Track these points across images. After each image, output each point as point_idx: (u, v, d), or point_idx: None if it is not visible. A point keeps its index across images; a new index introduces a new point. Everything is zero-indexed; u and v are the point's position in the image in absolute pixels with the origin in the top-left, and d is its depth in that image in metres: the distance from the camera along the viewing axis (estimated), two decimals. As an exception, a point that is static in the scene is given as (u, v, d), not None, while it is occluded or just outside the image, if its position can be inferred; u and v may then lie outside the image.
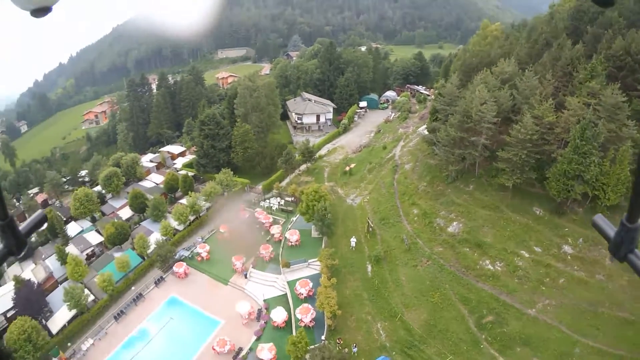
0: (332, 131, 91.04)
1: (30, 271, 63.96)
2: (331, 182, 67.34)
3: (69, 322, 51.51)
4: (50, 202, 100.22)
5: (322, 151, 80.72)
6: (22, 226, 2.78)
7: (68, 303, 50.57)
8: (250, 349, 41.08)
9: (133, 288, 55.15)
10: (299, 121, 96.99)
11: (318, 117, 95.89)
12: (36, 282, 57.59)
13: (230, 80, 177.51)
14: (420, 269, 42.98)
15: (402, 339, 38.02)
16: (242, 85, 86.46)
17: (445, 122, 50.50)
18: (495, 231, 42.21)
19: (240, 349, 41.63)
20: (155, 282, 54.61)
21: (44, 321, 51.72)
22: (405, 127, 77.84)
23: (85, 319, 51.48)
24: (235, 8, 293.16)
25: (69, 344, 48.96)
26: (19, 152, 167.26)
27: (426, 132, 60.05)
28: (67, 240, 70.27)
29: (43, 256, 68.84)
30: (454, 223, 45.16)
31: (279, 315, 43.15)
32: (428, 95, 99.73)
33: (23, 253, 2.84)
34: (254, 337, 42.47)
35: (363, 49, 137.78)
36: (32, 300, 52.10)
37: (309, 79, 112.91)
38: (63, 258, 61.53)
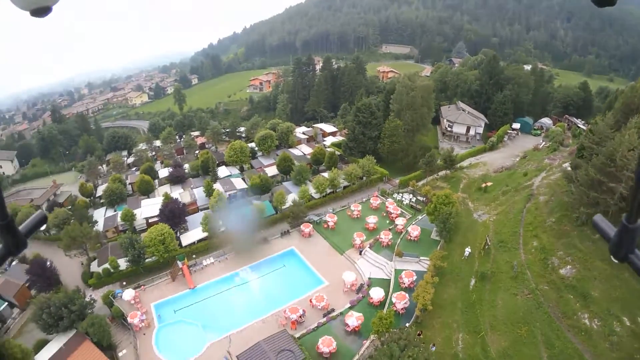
0: (479, 146, 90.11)
1: (179, 194, 75.58)
2: (464, 194, 67.62)
3: (199, 240, 61.96)
4: (207, 145, 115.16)
5: (464, 163, 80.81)
6: (21, 226, 2.84)
7: (203, 226, 60.65)
8: (341, 313, 44.39)
9: (263, 231, 62.96)
10: (448, 128, 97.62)
11: (468, 128, 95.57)
12: (182, 202, 67.88)
13: (390, 75, 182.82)
14: (519, 299, 42.19)
15: (476, 356, 38.11)
16: (400, 83, 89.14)
17: (589, 162, 48.19)
18: (605, 288, 39.70)
19: (333, 310, 45.45)
20: (282, 233, 61.63)
21: (178, 233, 62.70)
22: (552, 159, 74.51)
23: (212, 243, 61.30)
24: (404, 6, 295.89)
25: (193, 256, 59.21)
26: (187, 100, 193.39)
27: (569, 168, 57.83)
28: (215, 178, 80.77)
29: (192, 186, 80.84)
30: (568, 267, 43.38)
31: (377, 293, 45.56)
32: (584, 130, 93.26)
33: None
34: (348, 305, 45.80)
35: (527, 67, 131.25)
36: (174, 214, 62.97)
37: (466, 89, 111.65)
38: (209, 191, 72.41)
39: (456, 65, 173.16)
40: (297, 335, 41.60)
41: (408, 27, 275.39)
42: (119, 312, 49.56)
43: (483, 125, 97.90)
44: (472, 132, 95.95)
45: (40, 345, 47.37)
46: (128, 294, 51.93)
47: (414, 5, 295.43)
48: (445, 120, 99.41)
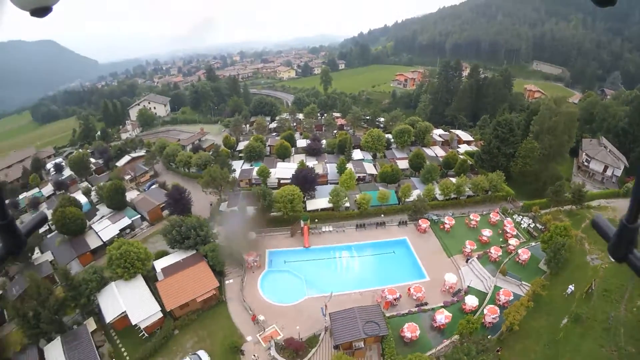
0: (612, 189, 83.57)
1: (313, 164, 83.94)
2: (584, 234, 64.39)
3: (322, 209, 69.53)
4: (345, 127, 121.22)
5: (593, 202, 75.99)
6: (22, 226, 2.89)
7: (330, 197, 67.57)
8: (432, 309, 47.13)
9: (382, 216, 68.27)
10: (585, 163, 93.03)
11: (606, 167, 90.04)
12: (315, 172, 74.45)
13: (537, 95, 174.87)
14: (604, 352, 40.50)
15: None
16: (545, 105, 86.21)
17: None
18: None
19: (426, 303, 48.55)
20: (399, 223, 65.98)
21: (305, 198, 70.21)
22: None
23: (334, 214, 68.49)
24: (562, 22, 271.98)
25: (315, 220, 66.54)
26: (333, 83, 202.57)
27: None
28: (349, 159, 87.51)
29: (326, 160, 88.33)
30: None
31: (471, 301, 47.16)
32: None
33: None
34: (441, 304, 48.35)
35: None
36: (307, 180, 70.50)
37: (613, 125, 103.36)
38: (341, 169, 79.02)
39: (608, 97, 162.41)
40: (387, 315, 45.81)
41: (563, 46, 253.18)
42: (238, 248, 58.27)
43: (622, 168, 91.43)
44: (609, 172, 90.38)
45: (160, 255, 57.97)
46: (249, 235, 60.38)
47: (573, 24, 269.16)
48: (583, 153, 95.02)
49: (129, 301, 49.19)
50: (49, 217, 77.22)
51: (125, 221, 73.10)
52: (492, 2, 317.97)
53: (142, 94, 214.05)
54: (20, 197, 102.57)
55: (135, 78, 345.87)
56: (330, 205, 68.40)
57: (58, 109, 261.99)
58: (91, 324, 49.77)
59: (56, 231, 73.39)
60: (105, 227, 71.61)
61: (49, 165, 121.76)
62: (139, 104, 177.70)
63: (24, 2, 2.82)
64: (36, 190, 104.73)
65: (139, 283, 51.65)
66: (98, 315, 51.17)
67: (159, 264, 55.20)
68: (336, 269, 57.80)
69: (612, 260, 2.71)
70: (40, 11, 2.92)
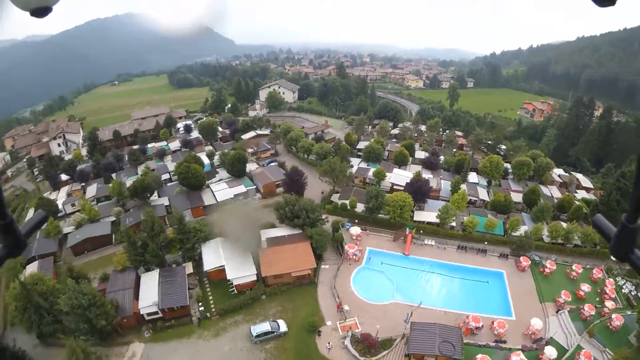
0: None
1: (428, 177, 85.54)
2: None
3: (428, 223, 70.77)
4: (464, 148, 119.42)
5: None
6: (22, 226, 2.91)
7: (439, 213, 68.54)
8: (509, 349, 45.73)
9: (485, 243, 67.33)
10: None
11: None
12: (429, 185, 76.03)
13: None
14: None
15: None
16: None
17: None
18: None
19: (505, 341, 47.38)
20: (500, 255, 64.59)
21: (414, 207, 71.39)
22: None
23: (438, 230, 69.31)
24: None
25: (420, 232, 67.96)
26: (459, 100, 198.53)
27: None
28: (464, 180, 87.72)
29: (441, 176, 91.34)
30: None
31: (549, 353, 44.75)
32: None
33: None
34: (520, 346, 46.78)
35: None
36: (420, 191, 72.98)
37: None
38: (455, 188, 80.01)
39: None
40: (465, 340, 46.06)
41: None
42: (341, 238, 61.98)
43: None
44: None
45: (265, 227, 62.04)
46: (355, 230, 64.19)
47: None
48: None
49: (229, 258, 54.79)
50: (172, 169, 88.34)
51: (240, 188, 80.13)
52: (635, 37, 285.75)
53: (273, 78, 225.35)
54: (149, 146, 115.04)
55: (268, 62, 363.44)
56: (437, 220, 68.95)
57: (193, 78, 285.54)
58: (188, 268, 56.85)
59: (177, 182, 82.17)
60: (221, 189, 79.31)
61: (179, 125, 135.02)
62: (269, 87, 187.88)
63: (24, 2, 2.89)
64: (164, 143, 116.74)
65: (241, 245, 57.50)
66: (197, 263, 58.12)
67: (265, 234, 59.79)
68: (428, 282, 58.66)
69: (613, 260, 3.29)
70: (41, 11, 2.98)
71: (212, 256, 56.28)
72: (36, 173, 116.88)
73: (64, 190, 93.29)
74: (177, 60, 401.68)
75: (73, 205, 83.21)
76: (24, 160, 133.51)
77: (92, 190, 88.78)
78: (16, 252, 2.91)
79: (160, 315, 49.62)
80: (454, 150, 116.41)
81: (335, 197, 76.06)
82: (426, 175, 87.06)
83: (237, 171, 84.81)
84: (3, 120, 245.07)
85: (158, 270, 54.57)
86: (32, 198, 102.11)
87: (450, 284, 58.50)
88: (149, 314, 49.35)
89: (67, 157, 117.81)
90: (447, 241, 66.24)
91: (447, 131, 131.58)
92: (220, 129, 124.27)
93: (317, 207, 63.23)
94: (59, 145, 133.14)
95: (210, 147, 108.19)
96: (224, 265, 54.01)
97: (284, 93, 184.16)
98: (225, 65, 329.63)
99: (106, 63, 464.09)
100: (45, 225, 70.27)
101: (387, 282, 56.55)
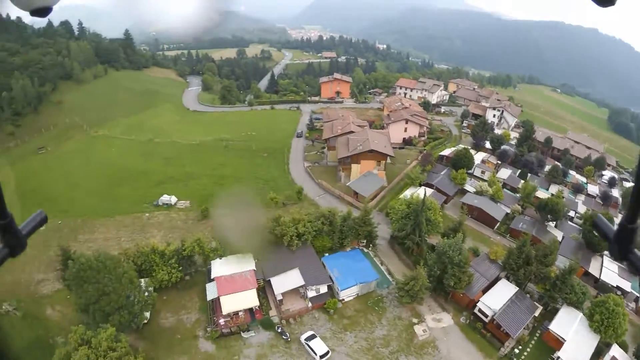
0: None
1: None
2: None
3: None
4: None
5: None
6: (21, 226, 2.78)
7: None
8: None
9: None
10: None
11: None
12: None
13: None
14: None
15: None
16: None
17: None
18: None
19: None
20: None
21: None
22: None
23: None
24: None
25: None
26: None
27: None
28: None
29: None
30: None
31: None
32: None
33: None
34: None
35: None
36: None
37: None
38: None
39: None
40: None
41: None
42: None
43: None
44: None
45: None
46: None
47: None
48: None
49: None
50: (582, 212, 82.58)
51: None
52: None
53: None
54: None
55: None
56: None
57: (634, 129, 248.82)
58: None
59: (580, 228, 75.09)
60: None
61: (605, 173, 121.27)
62: None
63: (24, 2, 2.80)
64: (583, 179, 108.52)
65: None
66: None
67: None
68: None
69: (613, 259, 2.12)
70: (41, 11, 2.88)
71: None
72: (464, 124, 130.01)
73: (480, 155, 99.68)
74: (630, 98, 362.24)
75: (483, 172, 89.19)
76: (460, 107, 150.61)
77: (504, 173, 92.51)
78: (16, 252, 2.82)
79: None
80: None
81: None
82: None
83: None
84: (454, 67, 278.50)
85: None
86: (452, 140, 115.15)
87: None
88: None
89: (497, 130, 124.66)
90: None
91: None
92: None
93: None
94: (493, 116, 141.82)
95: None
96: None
97: None
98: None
99: (556, 67, 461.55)
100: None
101: None
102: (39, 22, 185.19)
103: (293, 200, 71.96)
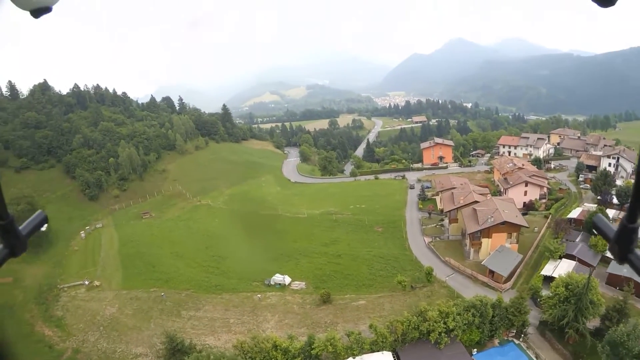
0: None
1: None
2: None
3: None
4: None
5: None
6: (22, 226, 2.76)
7: None
8: None
9: None
10: None
11: None
12: None
13: None
14: None
15: None
16: None
17: None
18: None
19: None
20: None
21: None
22: None
23: None
24: None
25: None
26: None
27: None
28: None
29: None
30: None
31: None
32: None
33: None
34: None
35: None
36: None
37: None
38: None
39: None
40: None
41: None
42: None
43: None
44: None
45: None
46: None
47: None
48: None
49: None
50: None
51: None
52: None
53: None
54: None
55: None
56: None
57: None
58: None
59: None
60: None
61: None
62: None
63: (24, 2, 2.79)
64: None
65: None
66: None
67: None
68: None
69: (614, 260, 2.49)
70: (41, 11, 2.88)
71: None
72: (580, 179, 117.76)
73: (609, 212, 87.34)
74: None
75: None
76: (569, 159, 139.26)
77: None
78: (16, 253, 2.76)
79: None
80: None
81: None
82: None
83: None
84: (550, 117, 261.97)
85: None
86: (573, 201, 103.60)
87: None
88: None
89: (617, 181, 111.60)
90: None
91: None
92: None
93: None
94: (609, 164, 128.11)
95: None
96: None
97: None
98: None
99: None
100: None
101: None
102: (143, 97, 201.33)
103: (422, 282, 65.27)
